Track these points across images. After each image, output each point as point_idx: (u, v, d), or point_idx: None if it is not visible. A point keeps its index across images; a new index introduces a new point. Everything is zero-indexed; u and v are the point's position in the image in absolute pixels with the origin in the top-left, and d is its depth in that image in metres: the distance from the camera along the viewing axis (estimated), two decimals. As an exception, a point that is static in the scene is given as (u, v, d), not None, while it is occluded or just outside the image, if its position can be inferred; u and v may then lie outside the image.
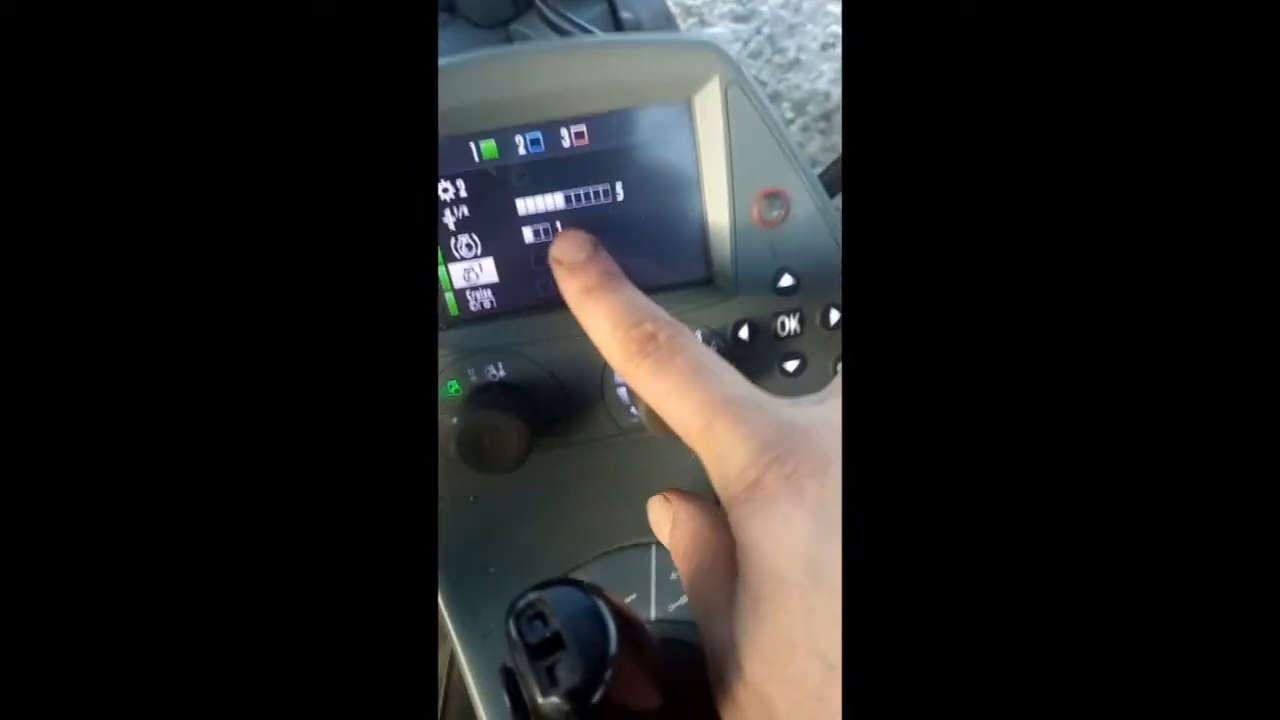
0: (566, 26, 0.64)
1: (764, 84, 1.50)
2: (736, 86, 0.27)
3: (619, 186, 0.29)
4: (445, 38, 0.72)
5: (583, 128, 0.27)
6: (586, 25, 0.65)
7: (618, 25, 0.75)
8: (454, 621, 0.32)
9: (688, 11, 1.59)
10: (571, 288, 0.25)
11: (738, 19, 1.59)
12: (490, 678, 0.31)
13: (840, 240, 0.29)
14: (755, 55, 1.54)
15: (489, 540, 0.32)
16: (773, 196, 0.29)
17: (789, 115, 1.44)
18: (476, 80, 0.26)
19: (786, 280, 0.30)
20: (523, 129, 0.27)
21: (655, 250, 0.30)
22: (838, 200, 0.35)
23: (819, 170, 0.67)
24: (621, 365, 0.22)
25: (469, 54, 0.26)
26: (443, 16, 0.73)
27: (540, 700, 0.18)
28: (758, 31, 1.56)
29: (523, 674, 0.19)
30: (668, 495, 0.24)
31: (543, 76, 0.26)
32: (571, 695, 0.18)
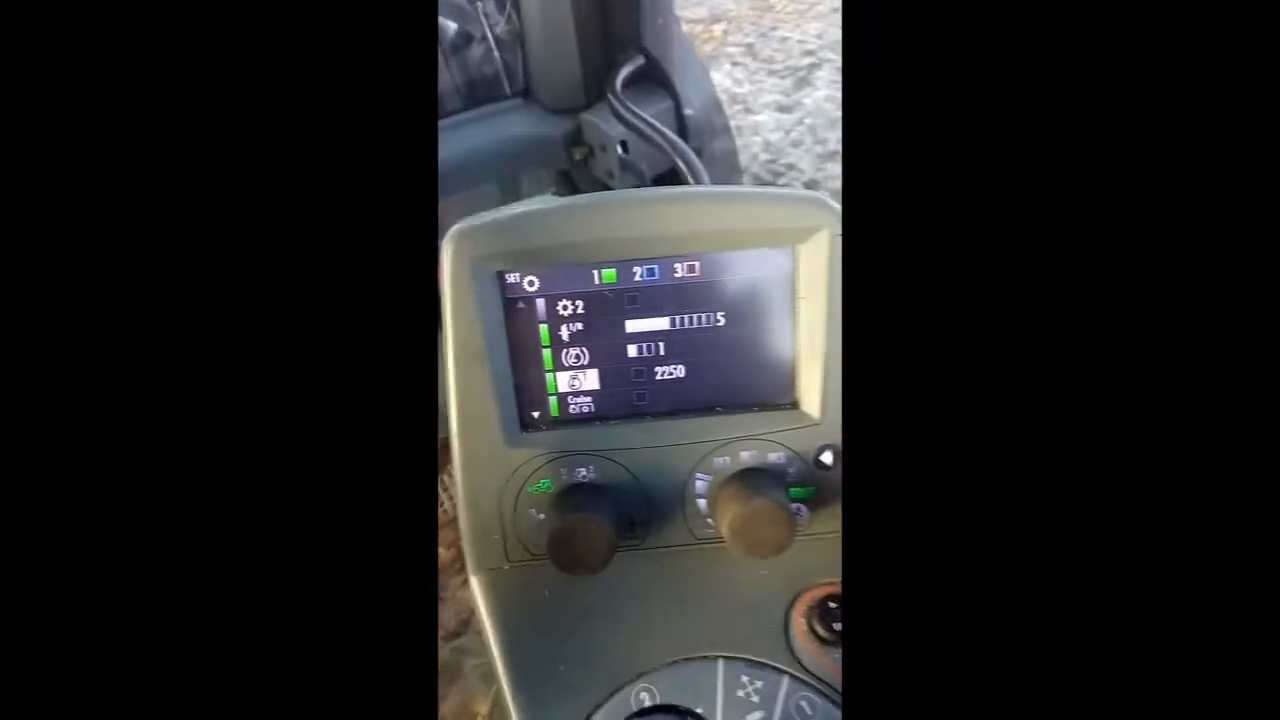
0: (634, 120, 0.68)
1: (802, 172, 1.55)
2: (842, 238, 0.29)
3: (720, 315, 0.31)
4: (520, 120, 0.76)
5: (695, 262, 0.30)
6: (652, 120, 0.69)
7: (680, 121, 0.79)
8: (519, 713, 0.32)
9: (734, 100, 1.66)
10: None
11: (782, 109, 1.66)
12: None
13: None
14: (796, 144, 1.60)
15: (562, 637, 0.32)
16: None
17: (826, 204, 1.48)
18: (608, 219, 0.29)
19: (867, 411, 0.32)
20: (642, 260, 0.30)
21: (749, 373, 0.32)
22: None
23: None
24: None
25: (602, 195, 0.29)
26: (517, 101, 0.77)
27: None
28: (800, 122, 1.63)
29: None
30: None
31: (667, 219, 0.29)
32: None
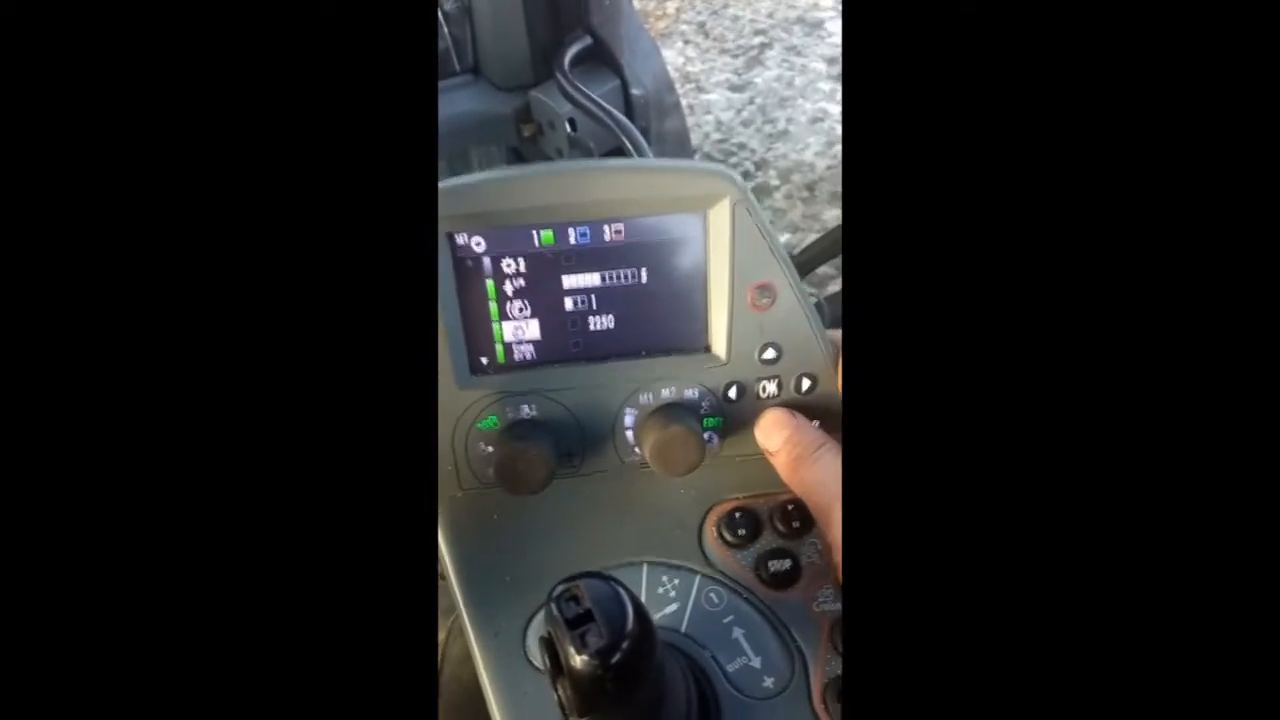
0: (580, 99, 0.72)
1: (753, 151, 1.60)
2: (742, 205, 0.35)
3: (644, 272, 0.36)
4: (469, 97, 0.79)
5: (621, 226, 0.35)
6: (598, 99, 0.73)
7: (627, 100, 0.83)
8: (471, 619, 0.36)
9: (686, 78, 1.70)
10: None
11: (733, 88, 1.70)
12: (502, 668, 0.36)
13: (815, 324, 0.37)
14: (747, 124, 1.65)
15: (508, 553, 0.37)
16: (763, 288, 0.36)
17: (775, 182, 1.54)
18: (546, 187, 0.34)
19: (769, 353, 0.37)
20: (575, 223, 0.35)
21: (668, 322, 0.37)
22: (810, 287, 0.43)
23: (798, 249, 0.74)
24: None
25: (541, 165, 0.34)
26: (466, 77, 0.80)
27: (575, 660, 0.24)
28: (751, 101, 1.68)
29: (560, 640, 0.25)
30: (788, 411, 0.37)
31: (597, 188, 0.34)
32: (598, 654, 0.24)
